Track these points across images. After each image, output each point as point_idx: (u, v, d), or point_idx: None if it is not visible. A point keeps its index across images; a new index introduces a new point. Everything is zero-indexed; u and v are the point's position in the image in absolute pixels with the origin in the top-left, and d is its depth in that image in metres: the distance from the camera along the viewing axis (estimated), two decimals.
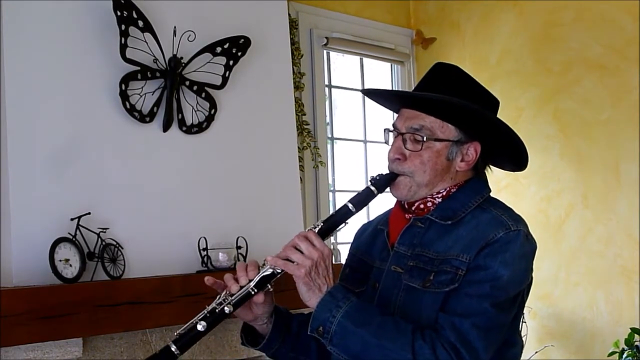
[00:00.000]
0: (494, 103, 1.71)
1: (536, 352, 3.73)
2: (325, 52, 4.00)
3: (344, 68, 4.22)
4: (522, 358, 3.75)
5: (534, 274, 1.66)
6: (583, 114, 3.73)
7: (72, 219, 2.49)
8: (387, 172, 1.67)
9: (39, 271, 2.39)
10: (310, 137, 3.73)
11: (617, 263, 3.59)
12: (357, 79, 4.24)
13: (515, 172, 1.81)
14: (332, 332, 1.51)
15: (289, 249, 1.56)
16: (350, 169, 4.12)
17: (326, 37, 3.92)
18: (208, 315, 1.58)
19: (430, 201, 1.66)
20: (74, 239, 2.44)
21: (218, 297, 1.60)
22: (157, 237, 2.76)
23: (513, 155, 1.73)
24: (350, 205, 1.62)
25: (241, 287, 1.58)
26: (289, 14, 3.49)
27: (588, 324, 3.68)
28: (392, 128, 1.69)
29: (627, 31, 3.57)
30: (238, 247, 2.87)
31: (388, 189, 1.68)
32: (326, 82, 4.00)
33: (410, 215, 1.68)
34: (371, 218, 1.92)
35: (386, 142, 1.72)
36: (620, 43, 3.60)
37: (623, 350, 3.28)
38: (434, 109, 1.62)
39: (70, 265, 2.42)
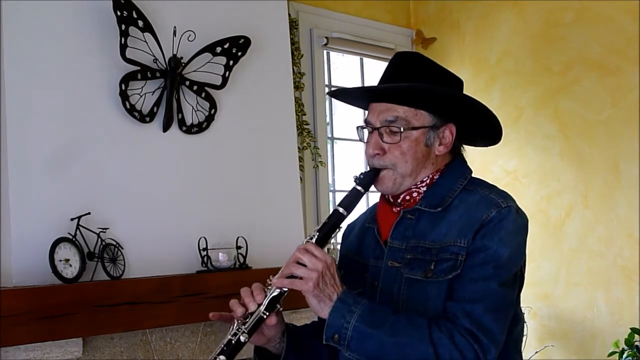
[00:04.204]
0: (459, 83, 1.72)
1: (536, 352, 3.73)
2: (325, 52, 4.00)
3: (344, 68, 4.22)
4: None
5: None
6: (583, 114, 3.73)
7: (72, 219, 2.49)
8: (369, 169, 1.67)
9: (39, 271, 2.39)
10: (310, 137, 3.73)
11: (617, 263, 3.59)
12: (357, 79, 4.24)
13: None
14: (348, 338, 1.50)
15: (292, 265, 1.54)
16: (350, 169, 4.13)
17: (326, 37, 3.92)
18: (225, 348, 1.56)
19: (416, 191, 1.66)
20: (74, 239, 2.44)
21: (231, 327, 1.58)
22: (157, 237, 2.76)
23: (486, 131, 1.73)
24: (340, 209, 1.62)
25: (251, 314, 1.56)
26: (289, 14, 3.49)
27: (588, 324, 3.68)
28: (364, 125, 1.69)
29: (627, 31, 3.57)
30: (238, 247, 2.87)
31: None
32: (326, 82, 4.00)
33: (398, 209, 1.67)
34: (357, 214, 1.88)
35: (361, 140, 1.71)
36: (620, 43, 3.60)
37: (623, 350, 3.28)
38: (404, 99, 1.62)
39: (70, 265, 2.42)
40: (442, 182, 1.66)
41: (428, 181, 1.66)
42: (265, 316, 1.56)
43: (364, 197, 1.69)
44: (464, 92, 1.72)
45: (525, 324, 3.77)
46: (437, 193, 1.64)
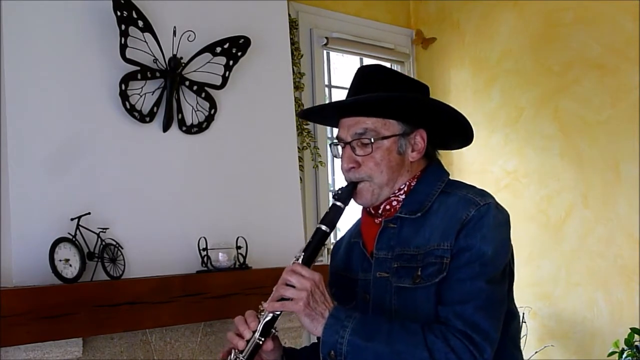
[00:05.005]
0: (424, 89, 1.73)
1: (536, 352, 3.73)
2: (325, 52, 4.01)
3: (343, 68, 4.22)
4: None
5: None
6: (583, 114, 3.73)
7: (72, 219, 2.49)
8: (346, 184, 1.68)
9: (39, 271, 2.39)
10: (310, 137, 3.74)
11: (617, 263, 3.59)
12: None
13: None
14: (344, 353, 1.50)
15: (281, 288, 1.55)
16: None
17: (326, 37, 3.92)
18: None
19: (395, 200, 1.67)
20: (74, 239, 2.44)
21: (229, 357, 1.59)
22: (157, 237, 2.76)
23: (458, 133, 1.75)
24: (323, 227, 1.62)
25: (247, 341, 1.57)
26: (289, 14, 3.49)
27: (588, 324, 3.68)
28: (337, 141, 1.70)
29: (627, 31, 3.57)
30: (238, 247, 2.87)
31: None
32: (326, 82, 4.00)
33: (380, 219, 1.68)
34: (344, 230, 1.91)
35: (335, 156, 1.72)
36: (620, 43, 3.60)
37: (623, 350, 3.28)
38: (371, 110, 1.64)
39: (70, 265, 2.41)
40: (419, 188, 1.67)
41: (406, 188, 1.67)
42: (261, 342, 1.57)
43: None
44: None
45: (524, 322, 3.77)
46: (416, 199, 1.65)
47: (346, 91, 1.73)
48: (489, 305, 1.53)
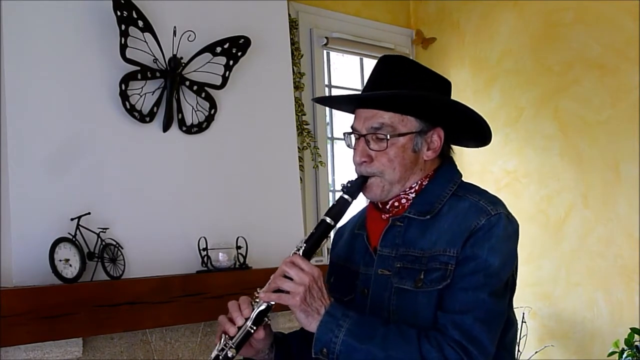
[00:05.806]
0: (446, 85, 1.68)
1: (536, 352, 3.73)
2: (325, 52, 4.00)
3: (344, 68, 4.22)
4: (522, 358, 3.74)
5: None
6: (583, 114, 3.73)
7: (72, 219, 2.49)
8: (357, 176, 1.65)
9: (39, 271, 2.39)
10: (310, 137, 3.73)
11: (617, 263, 3.59)
12: (357, 79, 4.24)
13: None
14: (337, 352, 1.48)
15: (278, 279, 1.52)
16: (350, 169, 4.11)
17: (326, 37, 3.92)
18: None
19: (404, 197, 1.64)
20: (74, 239, 2.44)
21: (218, 343, 1.56)
22: (157, 237, 2.76)
23: (475, 133, 1.71)
24: (328, 219, 1.59)
25: (239, 328, 1.55)
26: (289, 14, 3.49)
27: (588, 324, 3.68)
28: (351, 130, 1.66)
29: (627, 31, 3.57)
30: (238, 247, 2.87)
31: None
32: (326, 82, 4.00)
33: (387, 215, 1.66)
34: (347, 217, 1.85)
35: (348, 146, 1.69)
36: (620, 43, 3.60)
37: (623, 350, 3.28)
38: (389, 105, 1.60)
39: (70, 265, 2.42)
40: (431, 188, 1.64)
41: (417, 187, 1.64)
42: (252, 330, 1.55)
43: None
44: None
45: (524, 322, 3.76)
46: (426, 200, 1.62)
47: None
48: (488, 318, 1.51)
